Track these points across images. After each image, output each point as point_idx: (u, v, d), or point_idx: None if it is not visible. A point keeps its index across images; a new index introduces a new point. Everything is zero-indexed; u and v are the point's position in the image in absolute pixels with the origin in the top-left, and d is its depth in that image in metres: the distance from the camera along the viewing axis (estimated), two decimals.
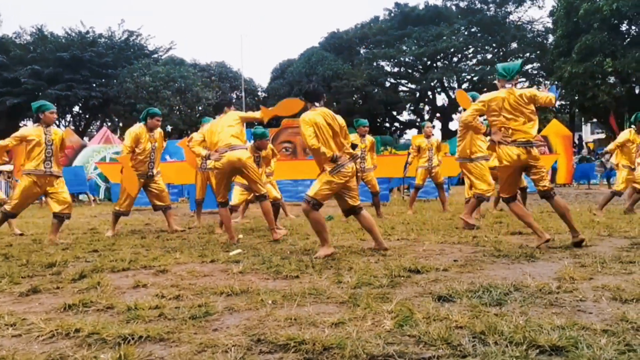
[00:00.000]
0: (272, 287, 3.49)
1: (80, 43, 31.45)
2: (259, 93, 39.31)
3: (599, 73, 25.04)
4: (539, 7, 35.69)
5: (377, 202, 8.87)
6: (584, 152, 25.75)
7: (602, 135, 41.22)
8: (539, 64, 34.82)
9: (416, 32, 34.90)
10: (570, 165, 18.77)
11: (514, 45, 35.19)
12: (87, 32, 32.45)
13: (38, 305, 3.20)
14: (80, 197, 16.18)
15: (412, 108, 39.45)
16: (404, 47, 35.41)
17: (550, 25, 32.62)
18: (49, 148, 6.26)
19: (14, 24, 67.18)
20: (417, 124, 39.91)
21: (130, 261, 4.61)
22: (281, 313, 2.81)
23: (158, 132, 7.16)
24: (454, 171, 11.57)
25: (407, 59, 36.62)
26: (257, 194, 6.16)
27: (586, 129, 46.91)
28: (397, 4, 37.91)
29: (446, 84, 37.06)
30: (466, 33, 34.76)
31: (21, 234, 7.18)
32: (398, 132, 40.30)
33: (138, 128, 6.98)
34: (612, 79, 26.29)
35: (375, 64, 36.88)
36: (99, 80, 31.89)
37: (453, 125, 37.77)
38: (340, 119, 4.93)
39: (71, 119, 34.98)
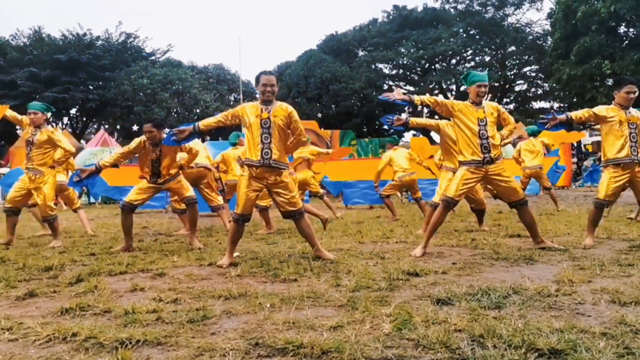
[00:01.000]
0: (270, 290, 3.48)
1: (77, 45, 31.38)
2: (257, 95, 39.33)
3: (598, 75, 25.07)
4: (537, 9, 35.88)
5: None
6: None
7: (601, 138, 41.27)
8: (537, 67, 34.84)
9: (414, 35, 34.92)
10: (569, 168, 18.78)
11: (513, 47, 35.23)
12: (85, 35, 32.41)
13: (35, 309, 3.19)
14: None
15: (410, 110, 39.46)
16: (403, 50, 35.44)
17: (548, 27, 32.67)
18: (27, 147, 6.34)
19: (11, 26, 67.01)
20: None
21: (127, 265, 4.60)
22: (279, 316, 2.81)
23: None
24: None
25: (405, 62, 36.63)
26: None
27: (585, 132, 46.91)
28: (395, 7, 37.96)
29: (445, 87, 37.08)
30: (464, 36, 34.79)
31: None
32: (396, 134, 40.34)
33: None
34: (610, 82, 26.31)
35: (373, 66, 36.89)
36: (96, 82, 31.84)
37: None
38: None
39: (68, 122, 34.90)
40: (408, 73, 38.42)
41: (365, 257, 4.75)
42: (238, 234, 4.83)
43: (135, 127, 31.56)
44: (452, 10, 36.45)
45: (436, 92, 37.68)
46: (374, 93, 34.53)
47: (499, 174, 5.06)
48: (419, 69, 37.29)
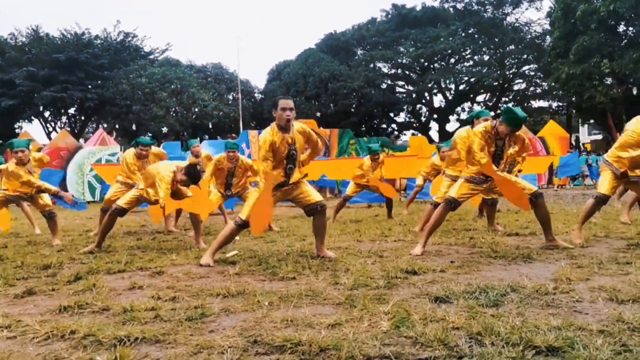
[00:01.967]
0: (268, 288, 3.49)
1: (75, 44, 31.36)
2: (256, 94, 39.26)
3: (597, 74, 25.11)
4: (536, 8, 35.81)
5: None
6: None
7: (600, 137, 41.34)
8: (536, 66, 34.87)
9: (413, 34, 34.93)
10: None
11: (512, 46, 35.25)
12: (83, 34, 32.38)
13: (33, 307, 3.19)
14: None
15: (409, 109, 39.47)
16: (401, 49, 35.44)
17: (547, 26, 32.69)
18: None
19: (9, 25, 66.88)
20: (415, 125, 39.94)
21: (126, 263, 4.60)
22: (277, 314, 2.81)
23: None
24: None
25: (404, 61, 36.64)
26: None
27: (583, 130, 47.01)
28: (394, 6, 37.93)
29: (443, 86, 37.09)
30: (463, 35, 34.78)
31: None
32: (395, 133, 40.33)
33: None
34: (609, 80, 26.36)
35: (372, 65, 36.91)
36: (95, 81, 31.80)
37: (450, 127, 37.86)
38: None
39: (67, 121, 34.88)
40: (407, 72, 38.45)
41: (364, 256, 4.76)
42: (231, 238, 4.82)
43: (133, 126, 31.54)
44: (451, 9, 36.46)
45: (435, 91, 37.70)
46: (373, 92, 34.55)
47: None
48: (418, 68, 37.30)
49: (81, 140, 24.40)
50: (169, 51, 37.22)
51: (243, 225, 4.69)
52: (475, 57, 36.48)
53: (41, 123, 33.73)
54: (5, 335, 2.60)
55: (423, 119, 40.10)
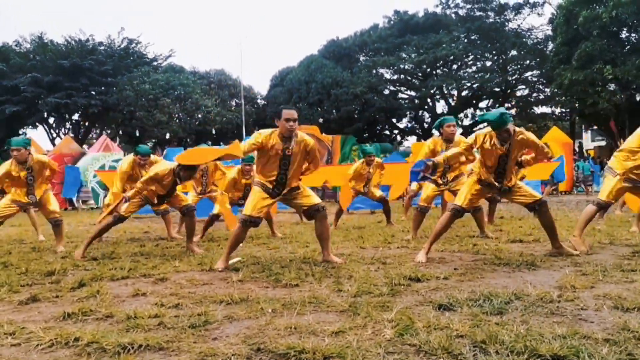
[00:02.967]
0: (271, 295, 3.48)
1: (80, 51, 31.48)
2: (259, 100, 39.34)
3: (599, 80, 25.06)
4: (538, 14, 35.66)
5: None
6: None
7: (603, 143, 41.23)
8: (538, 72, 34.82)
9: (415, 40, 34.95)
10: (570, 173, 18.76)
11: (514, 52, 35.23)
12: (87, 40, 32.50)
13: (37, 314, 3.19)
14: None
15: (411, 115, 39.46)
16: (404, 55, 35.45)
17: (549, 32, 32.69)
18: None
19: (10, 26, 67.13)
20: (417, 131, 39.91)
21: (129, 269, 4.61)
22: (281, 322, 2.80)
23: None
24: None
25: (406, 67, 36.63)
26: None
27: (586, 136, 46.94)
28: (396, 12, 37.98)
29: (446, 92, 37.08)
30: (466, 41, 34.79)
31: None
32: (398, 139, 40.34)
33: None
34: (612, 86, 26.30)
35: (374, 71, 36.91)
36: (99, 88, 31.90)
37: None
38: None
39: (70, 127, 34.96)
40: (409, 78, 38.45)
41: (367, 262, 4.75)
42: (240, 238, 4.84)
43: (137, 133, 31.62)
44: (453, 15, 36.48)
45: (437, 97, 37.69)
46: (375, 98, 34.57)
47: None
48: (420, 74, 37.30)
49: (85, 147, 24.45)
50: (172, 57, 37.20)
51: (249, 221, 4.71)
52: (478, 63, 36.46)
53: (45, 129, 33.84)
54: (10, 342, 2.60)
55: (426, 125, 40.08)
